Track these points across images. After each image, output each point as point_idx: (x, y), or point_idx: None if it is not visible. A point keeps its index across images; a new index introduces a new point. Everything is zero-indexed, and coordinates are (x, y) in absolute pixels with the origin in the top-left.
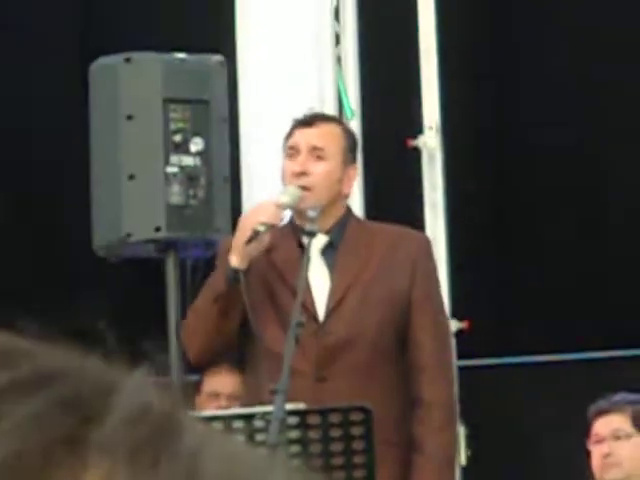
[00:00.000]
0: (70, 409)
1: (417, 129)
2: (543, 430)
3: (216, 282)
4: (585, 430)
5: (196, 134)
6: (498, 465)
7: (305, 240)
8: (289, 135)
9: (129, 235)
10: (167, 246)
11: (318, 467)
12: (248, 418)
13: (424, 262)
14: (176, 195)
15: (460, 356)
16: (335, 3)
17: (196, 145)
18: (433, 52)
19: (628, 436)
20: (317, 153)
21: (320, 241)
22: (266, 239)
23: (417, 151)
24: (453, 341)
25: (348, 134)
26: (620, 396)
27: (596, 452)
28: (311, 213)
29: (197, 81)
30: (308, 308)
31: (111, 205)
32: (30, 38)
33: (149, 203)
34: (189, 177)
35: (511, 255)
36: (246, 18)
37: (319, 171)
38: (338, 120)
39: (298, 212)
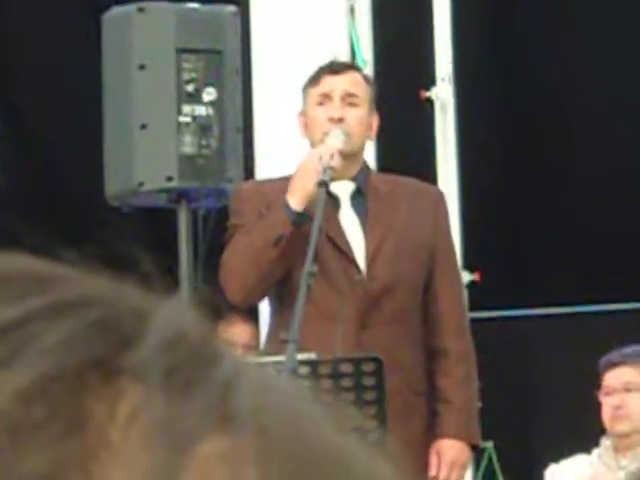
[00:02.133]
0: (105, 333)
1: (430, 81)
2: (555, 382)
3: (275, 225)
4: (597, 382)
5: (209, 84)
6: (509, 417)
7: (334, 190)
8: (316, 82)
9: (141, 184)
10: (179, 196)
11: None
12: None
13: (443, 216)
14: (188, 145)
15: (472, 308)
16: None
17: (209, 95)
18: (446, 3)
19: (639, 389)
20: (351, 100)
21: (348, 188)
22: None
23: (430, 102)
24: (465, 293)
25: (371, 82)
26: (632, 349)
27: (607, 404)
28: (329, 169)
29: (210, 31)
30: (347, 255)
31: (123, 155)
32: None
33: (161, 153)
34: (202, 127)
35: (524, 207)
36: None
37: (355, 117)
38: (360, 68)
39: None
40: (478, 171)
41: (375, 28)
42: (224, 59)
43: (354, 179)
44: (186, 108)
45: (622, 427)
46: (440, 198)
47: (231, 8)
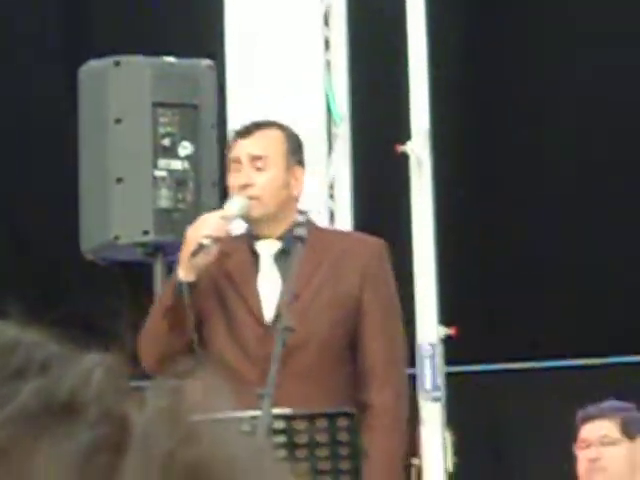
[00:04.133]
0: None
1: (406, 135)
2: (530, 436)
3: (164, 297)
4: (572, 436)
5: (185, 138)
6: (485, 471)
7: (257, 248)
8: (230, 148)
9: (117, 238)
10: (155, 249)
11: (304, 472)
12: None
13: (375, 266)
14: (164, 199)
15: (448, 362)
16: (325, 8)
17: (185, 149)
18: (423, 58)
19: (616, 442)
20: (257, 163)
21: (272, 247)
22: (214, 251)
23: (406, 157)
24: (440, 347)
25: (290, 136)
26: (609, 403)
27: (583, 457)
28: (205, 241)
29: (186, 85)
30: (254, 313)
31: (99, 208)
32: (17, 40)
33: (137, 206)
34: (177, 181)
35: (500, 263)
36: (235, 23)
37: (262, 180)
38: (278, 124)
39: (250, 221)
40: (455, 226)
41: (352, 82)
42: (200, 113)
43: (280, 238)
44: (162, 162)
45: None
46: (378, 248)
47: (207, 62)
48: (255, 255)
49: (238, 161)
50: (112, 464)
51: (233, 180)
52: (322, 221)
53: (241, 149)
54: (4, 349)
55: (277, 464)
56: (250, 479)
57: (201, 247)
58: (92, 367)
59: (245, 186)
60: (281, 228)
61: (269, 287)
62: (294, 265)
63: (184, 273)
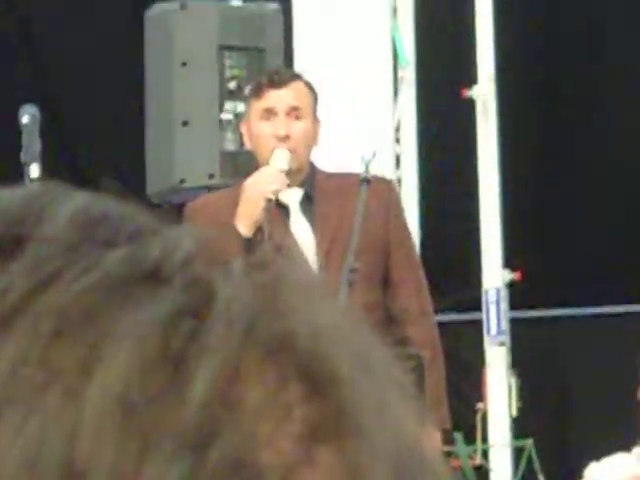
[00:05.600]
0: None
1: (472, 79)
2: (594, 382)
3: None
4: (635, 382)
5: (251, 82)
6: (549, 415)
7: (282, 198)
8: (259, 96)
9: (182, 181)
10: None
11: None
12: None
13: (396, 207)
14: (230, 142)
15: (512, 307)
16: None
17: None
18: (489, 3)
19: None
20: (295, 113)
21: (297, 195)
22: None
23: (472, 101)
24: (505, 292)
25: (312, 89)
26: None
27: None
28: (272, 196)
29: (252, 29)
30: None
31: (165, 151)
32: None
33: (203, 150)
34: None
35: (565, 208)
36: None
37: (300, 132)
38: (300, 75)
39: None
40: (520, 172)
41: (418, 26)
42: (266, 57)
43: (302, 185)
44: (228, 105)
45: None
46: (394, 189)
47: (274, 5)
48: (280, 205)
49: (273, 111)
50: (194, 329)
51: (270, 129)
52: (388, 164)
53: (278, 99)
54: (93, 220)
55: (364, 335)
56: (335, 349)
57: (269, 202)
58: (180, 237)
59: (286, 137)
60: (302, 176)
61: (303, 235)
62: (320, 211)
63: (247, 229)
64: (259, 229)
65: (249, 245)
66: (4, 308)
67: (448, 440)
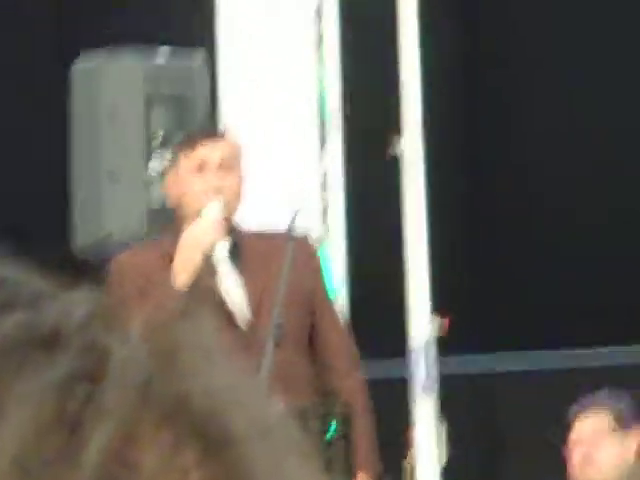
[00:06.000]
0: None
1: (397, 131)
2: (523, 430)
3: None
4: (566, 430)
5: (178, 133)
6: (478, 465)
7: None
8: (190, 149)
9: (109, 235)
10: None
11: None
12: None
13: (317, 262)
14: (156, 199)
15: (441, 354)
16: (317, 3)
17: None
18: (416, 53)
19: (609, 436)
20: (227, 166)
21: (224, 247)
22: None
23: (397, 157)
24: (433, 341)
25: (239, 145)
26: (602, 395)
27: (575, 453)
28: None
29: (179, 81)
30: (229, 315)
31: (92, 205)
32: (7, 31)
33: (130, 204)
34: None
35: (491, 256)
36: (228, 14)
37: (233, 184)
38: (228, 130)
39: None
40: (447, 222)
41: (344, 76)
42: (193, 108)
43: (227, 238)
44: (155, 159)
45: (590, 477)
46: (312, 244)
47: (200, 55)
48: (207, 257)
49: (205, 164)
50: (89, 393)
51: (202, 183)
52: (314, 215)
53: (210, 152)
54: None
55: (261, 397)
56: (231, 411)
57: (207, 254)
58: (78, 302)
59: (219, 189)
60: (228, 230)
61: (233, 288)
62: (249, 265)
63: (185, 281)
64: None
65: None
66: None
67: None
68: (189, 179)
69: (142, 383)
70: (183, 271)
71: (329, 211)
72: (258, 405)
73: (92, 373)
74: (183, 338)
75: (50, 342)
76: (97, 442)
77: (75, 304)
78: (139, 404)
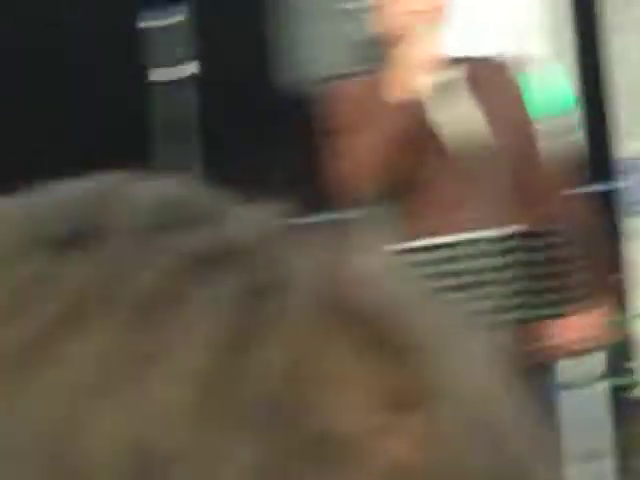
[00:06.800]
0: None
1: None
2: None
3: (393, 122)
4: None
5: None
6: None
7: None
8: None
9: (311, 71)
10: None
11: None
12: (452, 246)
13: (520, 89)
14: (356, 31)
15: None
16: None
17: None
18: None
19: None
20: None
21: (438, 76)
22: None
23: None
24: None
25: None
26: None
27: None
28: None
29: None
30: (441, 147)
31: (293, 43)
32: None
33: (329, 39)
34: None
35: None
36: None
37: (439, 5)
38: None
39: None
40: None
41: None
42: None
43: (438, 65)
44: None
45: None
46: (511, 68)
47: None
48: (432, 86)
49: None
50: (270, 306)
51: (408, 5)
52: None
53: None
54: (169, 204)
55: (442, 304)
56: (412, 318)
57: (432, 76)
58: (255, 217)
59: (426, 11)
60: (440, 58)
61: (450, 112)
62: (469, 92)
63: (399, 112)
64: (418, 105)
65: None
66: (82, 300)
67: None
68: (393, 3)
69: (323, 294)
70: (395, 103)
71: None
72: (439, 312)
73: (272, 285)
74: (362, 249)
75: (229, 258)
76: (278, 354)
77: (253, 220)
78: (321, 315)
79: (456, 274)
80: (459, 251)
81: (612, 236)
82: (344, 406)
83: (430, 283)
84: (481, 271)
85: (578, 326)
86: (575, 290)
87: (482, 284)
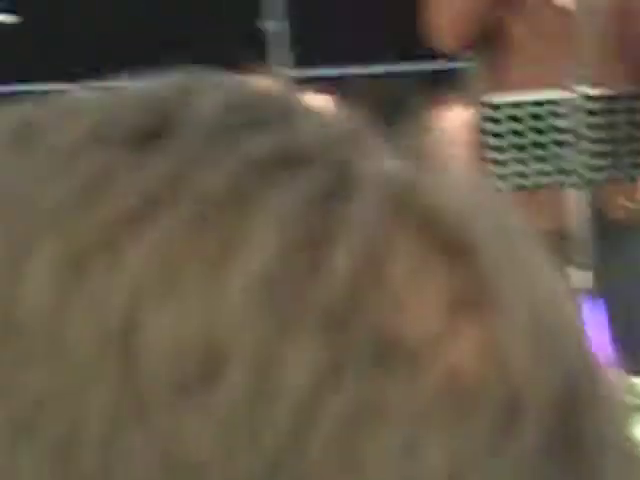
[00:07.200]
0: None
1: None
2: None
3: None
4: None
5: None
6: None
7: None
8: None
9: None
10: None
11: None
12: (545, 104)
13: None
14: None
15: None
16: None
17: None
18: None
19: None
20: None
21: None
22: None
23: None
24: None
25: None
26: None
27: None
28: None
29: None
30: None
31: None
32: None
33: None
34: None
35: None
36: None
37: None
38: None
39: None
40: None
41: None
42: None
43: None
44: None
45: None
46: None
47: None
48: None
49: None
50: (338, 207)
51: None
52: None
53: None
54: (241, 102)
55: (510, 213)
56: (479, 222)
57: None
58: (326, 120)
59: None
60: None
61: None
62: None
63: None
64: None
65: None
66: (148, 196)
67: None
68: None
69: (391, 196)
70: None
71: None
72: (502, 217)
73: (341, 188)
74: (428, 155)
75: (298, 160)
76: (345, 254)
77: (323, 122)
78: (388, 217)
79: (539, 131)
80: (544, 109)
81: None
82: (407, 310)
83: (510, 139)
84: (564, 130)
85: None
86: None
87: (564, 144)
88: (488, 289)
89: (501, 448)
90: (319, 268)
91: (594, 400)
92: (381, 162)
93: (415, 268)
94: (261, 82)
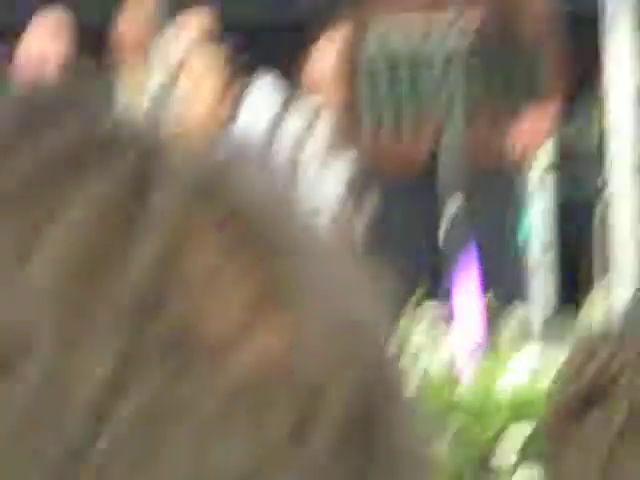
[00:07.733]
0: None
1: None
2: None
3: None
4: None
5: None
6: None
7: None
8: None
9: None
10: None
11: None
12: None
13: None
14: None
15: None
16: None
17: None
18: None
19: None
20: None
21: None
22: None
23: None
24: None
25: None
26: None
27: None
28: None
29: None
30: None
31: None
32: None
33: None
34: None
35: None
36: None
37: None
38: None
39: None
40: None
41: None
42: None
43: None
44: None
45: None
46: None
47: None
48: None
49: None
50: (143, 198)
51: None
52: None
53: None
54: (42, 100)
55: (314, 212)
56: (283, 223)
57: None
58: (134, 111)
59: None
60: None
61: None
62: None
63: None
64: None
65: None
66: None
67: None
68: None
69: (198, 191)
70: None
71: None
72: (311, 219)
73: (146, 177)
74: (239, 152)
75: (105, 149)
76: (148, 246)
77: (130, 112)
78: (192, 209)
79: (426, 57)
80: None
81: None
82: (206, 308)
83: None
84: (448, 58)
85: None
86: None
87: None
88: (288, 288)
89: (293, 451)
90: (121, 260)
91: (388, 406)
92: (190, 156)
93: (215, 264)
94: (63, 78)
